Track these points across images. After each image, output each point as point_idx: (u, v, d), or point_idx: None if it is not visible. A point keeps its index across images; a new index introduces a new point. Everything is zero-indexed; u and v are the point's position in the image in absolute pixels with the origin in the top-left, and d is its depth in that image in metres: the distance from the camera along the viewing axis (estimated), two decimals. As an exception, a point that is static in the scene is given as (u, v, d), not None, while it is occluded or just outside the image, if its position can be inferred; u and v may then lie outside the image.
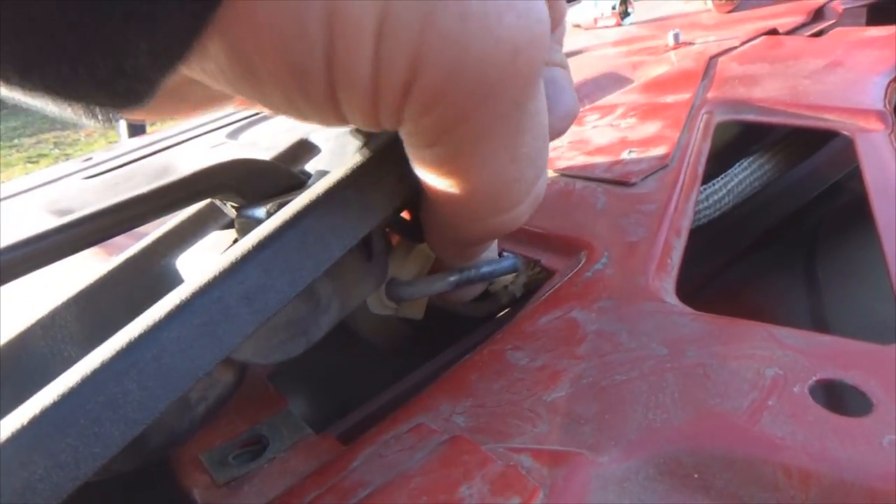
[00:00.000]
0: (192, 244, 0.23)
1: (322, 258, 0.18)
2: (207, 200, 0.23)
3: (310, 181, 0.22)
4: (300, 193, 0.19)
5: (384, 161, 0.20)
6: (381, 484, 0.16)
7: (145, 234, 0.24)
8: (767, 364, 0.17)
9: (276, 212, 0.19)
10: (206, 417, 0.19)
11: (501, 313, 0.28)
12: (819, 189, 0.42)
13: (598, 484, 0.15)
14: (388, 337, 0.28)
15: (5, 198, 0.57)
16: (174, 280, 0.22)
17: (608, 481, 0.15)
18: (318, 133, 0.26)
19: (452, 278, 0.25)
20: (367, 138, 0.23)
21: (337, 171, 0.19)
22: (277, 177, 0.22)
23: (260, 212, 0.21)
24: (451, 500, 0.15)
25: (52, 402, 0.13)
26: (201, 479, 0.22)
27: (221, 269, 0.17)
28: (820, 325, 0.30)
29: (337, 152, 0.24)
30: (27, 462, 0.13)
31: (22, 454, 0.13)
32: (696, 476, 0.15)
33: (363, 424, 0.23)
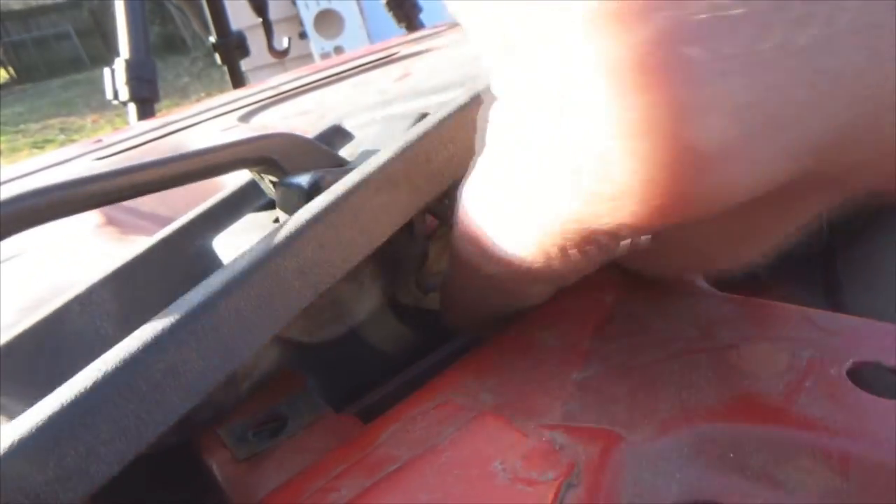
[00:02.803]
0: (227, 226, 0.23)
1: (374, 235, 0.18)
2: (242, 182, 0.23)
3: (356, 160, 0.22)
4: (342, 171, 0.19)
5: (433, 141, 0.20)
6: (410, 458, 0.16)
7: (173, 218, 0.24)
8: (803, 346, 0.17)
9: (318, 180, 0.19)
10: (248, 394, 0.20)
11: None
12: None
13: (632, 462, 0.15)
14: (391, 342, 0.28)
15: (16, 178, 0.57)
16: (210, 261, 0.22)
17: (643, 459, 0.15)
18: (350, 119, 0.25)
19: None
20: (417, 120, 0.23)
21: (386, 150, 0.19)
22: (319, 155, 0.22)
23: (302, 179, 0.20)
24: (483, 475, 0.14)
25: (114, 367, 0.13)
26: (221, 454, 0.21)
27: (277, 242, 0.17)
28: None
29: (383, 134, 0.24)
30: (91, 426, 0.13)
31: (86, 417, 0.13)
32: (731, 456, 0.15)
33: (382, 404, 0.23)
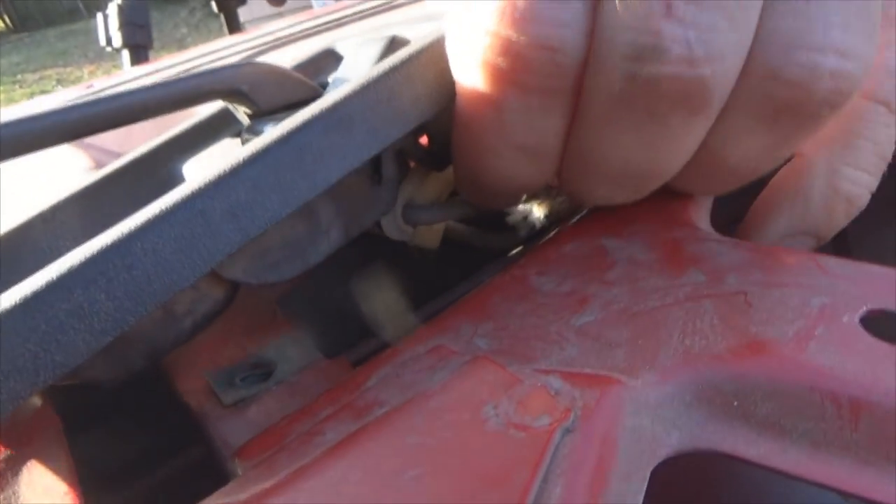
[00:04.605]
0: (200, 150, 0.22)
1: (318, 178, 0.17)
2: (220, 106, 0.22)
3: (327, 91, 0.21)
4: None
5: (398, 79, 0.18)
6: (399, 403, 0.15)
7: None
8: (814, 293, 0.16)
9: None
10: (193, 331, 0.19)
11: (518, 249, 0.27)
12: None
13: (631, 408, 0.14)
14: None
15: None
16: (179, 185, 0.21)
17: (642, 405, 0.14)
18: (344, 42, 0.24)
19: (470, 205, 0.24)
20: (384, 53, 0.22)
21: (345, 86, 0.18)
22: (293, 86, 0.21)
23: (268, 128, 0.19)
24: (474, 419, 0.14)
25: (13, 304, 0.13)
26: (206, 399, 0.21)
27: (207, 181, 0.15)
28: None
29: (352, 64, 0.22)
30: None
31: None
32: (735, 404, 0.14)
33: (376, 353, 0.22)
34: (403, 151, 0.22)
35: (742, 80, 0.17)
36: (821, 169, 0.20)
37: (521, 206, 0.26)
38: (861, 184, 0.20)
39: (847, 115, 0.19)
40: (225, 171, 0.16)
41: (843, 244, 0.34)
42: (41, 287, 0.13)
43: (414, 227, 0.24)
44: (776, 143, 0.18)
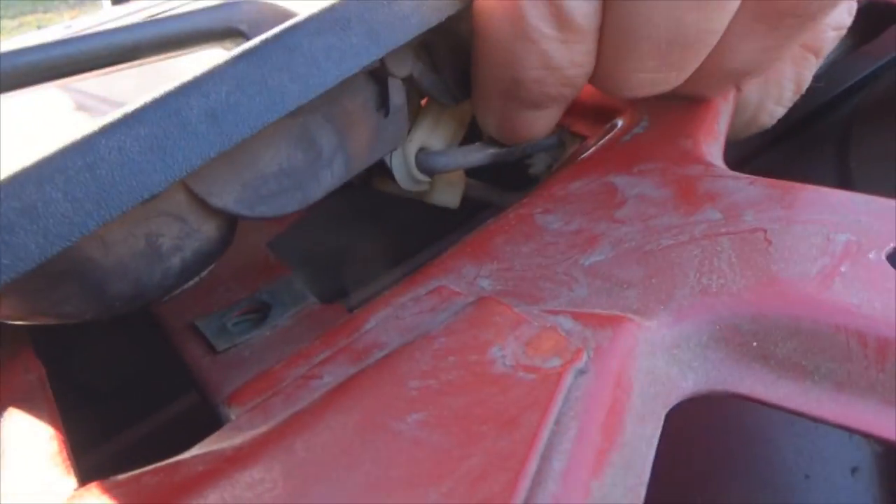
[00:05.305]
0: None
1: (310, 83, 0.15)
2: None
3: None
4: None
5: None
6: (400, 345, 0.14)
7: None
8: (838, 229, 0.15)
9: None
10: (183, 273, 0.17)
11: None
12: (856, 77, 0.39)
13: (645, 349, 0.13)
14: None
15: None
16: None
17: (657, 346, 0.14)
18: None
19: (491, 150, 0.22)
20: None
21: None
22: None
23: None
24: (481, 361, 0.13)
25: None
26: (198, 345, 0.20)
27: (184, 81, 0.14)
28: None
29: None
30: None
31: None
32: (755, 344, 0.14)
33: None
34: (413, 80, 0.21)
35: None
36: (750, 105, 0.23)
37: (543, 156, 0.25)
38: (775, 116, 0.24)
39: (788, 60, 0.22)
40: (206, 70, 0.14)
41: (844, 155, 0.33)
42: None
43: (430, 175, 0.23)
44: (776, 44, 0.19)
